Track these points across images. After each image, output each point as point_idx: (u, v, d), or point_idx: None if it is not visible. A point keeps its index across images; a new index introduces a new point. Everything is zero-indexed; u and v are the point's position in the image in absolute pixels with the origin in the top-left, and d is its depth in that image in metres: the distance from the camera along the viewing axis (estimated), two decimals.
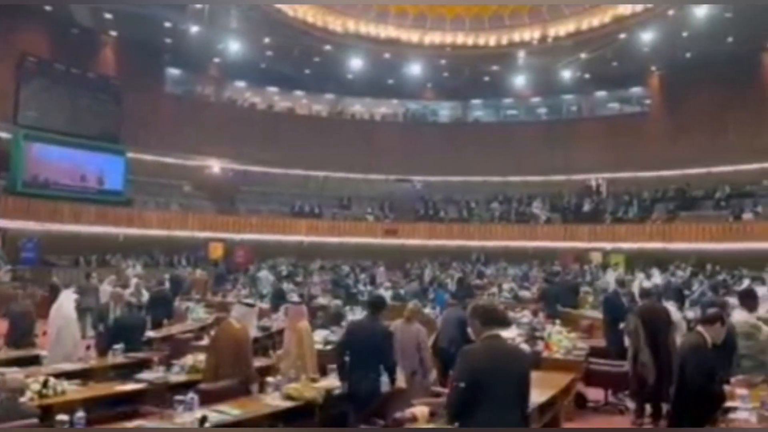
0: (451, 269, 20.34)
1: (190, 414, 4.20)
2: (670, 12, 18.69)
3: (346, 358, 5.19)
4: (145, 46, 22.19)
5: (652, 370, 6.47)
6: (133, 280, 11.92)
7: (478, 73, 25.06)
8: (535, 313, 10.61)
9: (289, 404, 4.73)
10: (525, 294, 15.63)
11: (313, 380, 5.24)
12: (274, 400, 4.79)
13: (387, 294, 14.39)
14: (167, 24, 20.84)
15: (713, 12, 17.86)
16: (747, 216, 20.31)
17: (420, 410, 4.49)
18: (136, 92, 21.81)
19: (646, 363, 6.53)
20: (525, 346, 7.35)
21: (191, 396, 4.34)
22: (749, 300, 6.34)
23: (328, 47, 22.76)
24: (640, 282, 13.15)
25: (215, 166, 24.98)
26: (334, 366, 5.37)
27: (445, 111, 29.73)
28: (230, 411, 4.36)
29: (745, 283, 13.36)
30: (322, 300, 13.18)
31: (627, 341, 7.33)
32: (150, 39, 21.98)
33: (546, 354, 7.56)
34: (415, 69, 24.19)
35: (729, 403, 4.48)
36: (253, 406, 4.63)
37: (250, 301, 6.78)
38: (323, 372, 5.74)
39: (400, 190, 27.28)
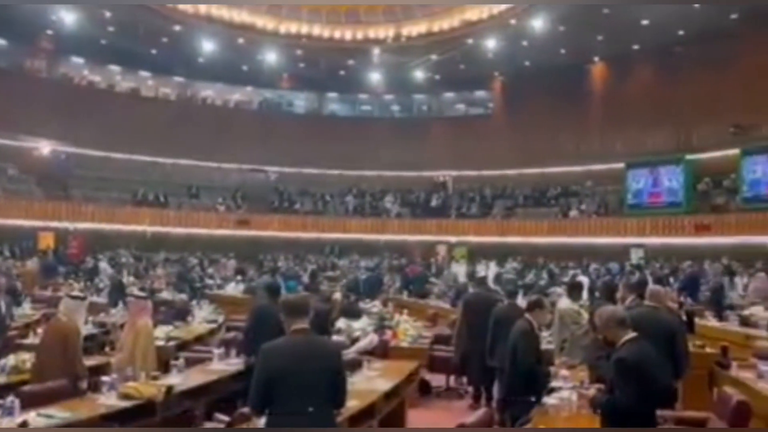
0: (306, 262, 20.34)
1: (10, 419, 3.80)
2: (512, 21, 20.05)
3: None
4: None
5: (457, 354, 7.03)
6: None
7: (334, 66, 25.22)
8: (384, 303, 10.93)
9: (125, 404, 4.44)
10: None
11: (154, 378, 4.98)
12: (108, 400, 4.47)
13: (238, 288, 14.09)
14: None
15: (548, 24, 19.42)
16: (573, 213, 22.47)
17: None
18: None
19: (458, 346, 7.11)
20: (374, 336, 7.54)
21: (11, 399, 3.93)
22: (575, 290, 7.01)
23: (177, 27, 21.62)
24: (478, 272, 14.03)
25: (45, 147, 22.71)
26: (176, 362, 5.17)
27: (301, 102, 29.53)
28: (58, 414, 4.00)
29: (571, 274, 14.78)
30: (166, 294, 12.53)
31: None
32: None
33: (393, 343, 7.81)
34: (270, 57, 23.75)
35: (553, 383, 4.92)
36: (84, 407, 4.29)
37: (78, 293, 6.25)
38: (166, 369, 5.49)
39: (254, 181, 26.70)
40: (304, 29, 23.12)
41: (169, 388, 4.74)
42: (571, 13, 18.76)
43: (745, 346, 7.60)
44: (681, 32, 19.90)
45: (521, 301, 6.95)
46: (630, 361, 3.62)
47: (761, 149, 17.79)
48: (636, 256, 19.86)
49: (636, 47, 21.65)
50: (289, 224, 24.45)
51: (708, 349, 7.32)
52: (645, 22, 19.18)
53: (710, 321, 9.52)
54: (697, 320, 8.53)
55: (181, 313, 8.46)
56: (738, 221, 17.95)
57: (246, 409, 4.34)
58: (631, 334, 3.79)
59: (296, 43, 23.36)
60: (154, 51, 24.03)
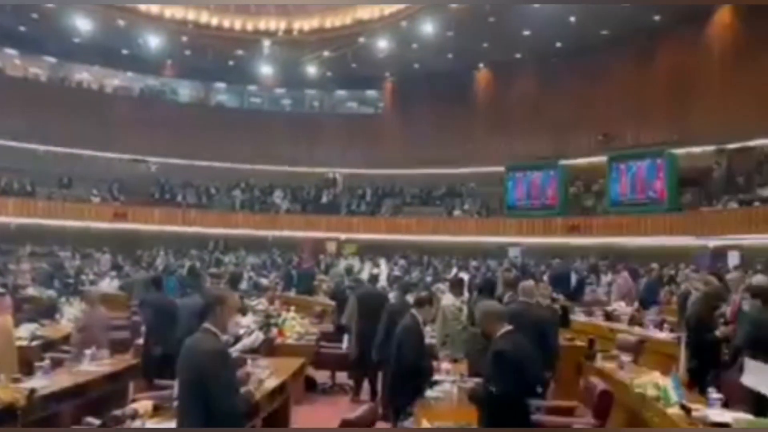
0: (188, 258, 19.58)
1: None
2: (403, 23, 20.41)
3: None
4: None
5: (354, 348, 7.13)
6: None
7: (223, 56, 24.40)
8: (271, 301, 10.75)
9: None
10: (263, 281, 15.76)
11: (15, 380, 4.58)
12: None
13: (113, 284, 13.32)
14: None
15: (437, 29, 19.96)
16: (457, 213, 23.31)
17: (143, 405, 4.23)
18: None
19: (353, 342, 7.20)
20: (259, 333, 7.41)
21: None
22: (457, 286, 7.26)
23: (49, 4, 20.01)
24: (369, 270, 14.18)
25: None
26: (41, 364, 4.80)
27: (186, 90, 28.30)
28: None
29: (454, 271, 15.32)
30: (32, 291, 11.61)
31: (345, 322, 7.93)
32: None
33: (279, 340, 7.72)
34: (153, 42, 22.51)
35: (436, 377, 5.07)
36: None
37: None
38: (29, 370, 5.08)
39: (133, 171, 25.25)
40: (191, 16, 22.21)
41: (32, 392, 4.38)
42: (459, 20, 19.40)
43: (609, 339, 8.24)
44: (558, 44, 21.21)
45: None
46: (506, 354, 3.81)
47: (625, 157, 19.36)
48: (513, 254, 20.97)
49: (518, 56, 22.79)
50: (171, 218, 23.36)
51: (577, 342, 7.86)
52: (526, 32, 20.23)
53: (579, 316, 10.22)
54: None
55: (48, 311, 7.86)
56: (604, 223, 19.42)
57: (119, 412, 4.10)
58: (507, 328, 3.99)
59: (182, 29, 22.36)
60: (22, 28, 22.10)
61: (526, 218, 21.36)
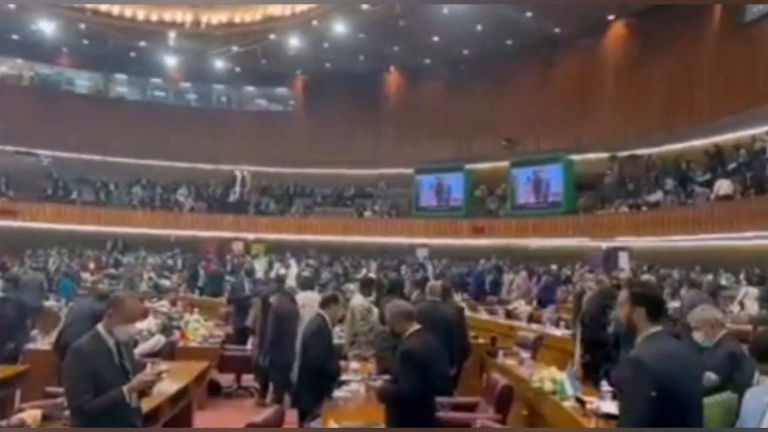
0: (85, 257, 18.56)
1: None
2: (314, 22, 20.29)
3: None
4: None
5: (258, 350, 7.07)
6: None
7: (124, 46, 23.22)
8: (173, 303, 10.38)
9: None
10: (165, 283, 15.21)
11: None
12: None
13: None
14: None
15: (349, 30, 20.00)
16: (367, 214, 23.46)
17: (30, 414, 3.96)
18: None
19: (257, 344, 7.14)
20: (160, 336, 7.13)
21: None
22: (366, 286, 7.31)
23: None
24: (277, 270, 13.98)
25: None
26: None
27: (83, 81, 26.67)
28: None
29: (363, 271, 15.42)
30: None
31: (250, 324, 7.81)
32: None
33: (182, 343, 7.47)
34: (47, 28, 21.08)
35: (344, 377, 5.08)
36: None
37: None
38: None
39: (23, 165, 23.52)
40: (90, 3, 21.00)
41: None
42: (370, 22, 19.54)
43: (510, 336, 8.57)
44: (466, 51, 21.84)
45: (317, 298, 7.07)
46: (414, 352, 3.87)
47: (526, 162, 20.23)
48: (421, 254, 21.38)
49: (427, 61, 23.25)
50: (65, 215, 21.96)
51: (480, 340, 8.13)
52: (436, 38, 20.68)
53: (482, 314, 10.57)
54: (470, 313, 9.42)
55: None
56: (506, 225, 20.20)
57: (3, 422, 3.83)
58: (416, 327, 4.06)
59: (79, 16, 21.08)
60: None
61: (434, 219, 21.83)
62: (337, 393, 4.67)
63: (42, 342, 6.90)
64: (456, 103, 22.52)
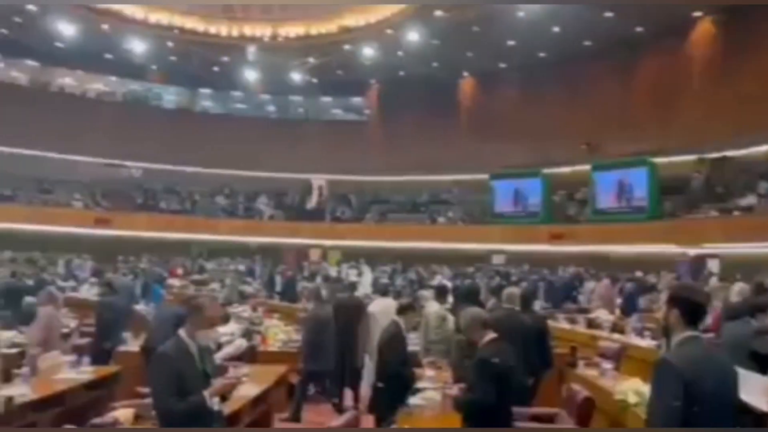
0: (173, 264, 19.40)
1: None
2: (389, 31, 20.50)
3: None
4: None
5: (331, 357, 7.13)
6: None
7: (208, 62, 24.33)
8: (254, 308, 10.68)
9: None
10: (247, 289, 15.64)
11: None
12: None
13: (93, 291, 13.15)
14: None
15: (423, 37, 20.06)
16: (441, 220, 23.38)
17: (123, 413, 4.18)
18: None
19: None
20: (242, 340, 7.35)
21: None
22: (441, 293, 7.27)
23: (31, 7, 19.82)
24: (347, 276, 14.18)
25: None
26: (20, 371, 4.73)
27: (170, 96, 28.17)
28: None
29: (437, 278, 15.35)
30: None
31: None
32: None
33: (262, 347, 7.67)
34: (138, 47, 22.39)
35: (420, 384, 5.07)
36: None
37: None
38: (7, 378, 5.00)
39: (116, 176, 25.03)
40: (176, 21, 22.13)
41: (9, 400, 4.31)
42: (444, 28, 19.53)
43: (591, 346, 8.29)
44: (542, 54, 21.43)
45: (392, 304, 7.10)
46: (489, 361, 3.82)
47: (608, 166, 19.56)
48: (497, 261, 21.06)
49: (502, 65, 22.97)
50: (155, 224, 23.17)
51: (559, 350, 7.90)
52: (511, 42, 20.41)
53: (562, 323, 10.28)
54: (548, 322, 9.17)
55: (26, 318, 7.73)
56: (587, 231, 19.58)
57: (99, 420, 4.06)
58: (492, 335, 4.01)
59: (167, 34, 22.28)
60: (4, 31, 21.89)
61: (509, 226, 21.47)
62: (413, 400, 4.67)
63: (132, 344, 7.27)
64: (532, 107, 22.11)
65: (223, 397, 3.52)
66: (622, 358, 7.06)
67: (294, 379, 7.39)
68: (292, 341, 8.22)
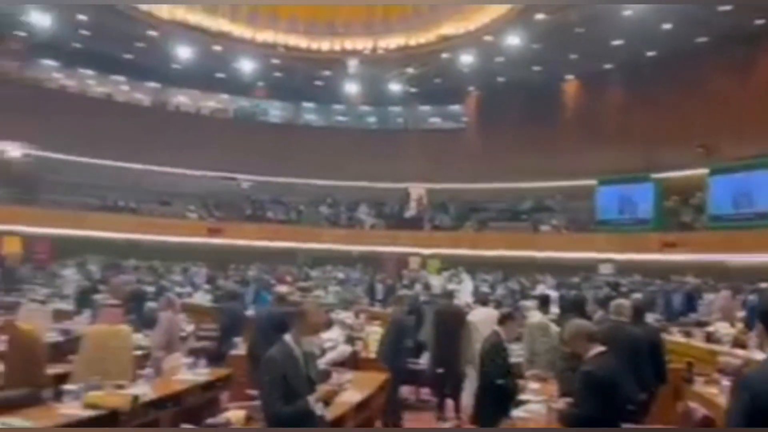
0: (280, 271, 20.14)
1: None
2: (487, 38, 20.32)
3: None
4: None
5: (432, 366, 7.07)
6: None
7: (311, 76, 25.23)
8: (357, 315, 10.87)
9: (89, 413, 4.35)
10: (349, 296, 15.93)
11: (119, 387, 4.88)
12: (71, 409, 4.37)
13: (207, 297, 13.90)
14: None
15: (524, 42, 19.72)
16: (545, 228, 22.74)
17: (235, 414, 4.39)
18: None
19: (430, 360, 7.16)
20: (346, 346, 7.50)
21: None
22: (545, 304, 7.08)
23: (152, 33, 21.45)
24: (445, 284, 14.08)
25: (14, 151, 22.23)
26: (143, 372, 5.08)
27: (276, 111, 29.47)
28: (19, 423, 3.89)
29: (540, 288, 14.93)
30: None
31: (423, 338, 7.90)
32: None
33: (364, 354, 7.78)
34: (246, 66, 23.67)
35: (523, 396, 4.95)
36: (46, 417, 4.19)
37: (38, 299, 6.12)
38: (132, 378, 5.39)
39: (226, 189, 26.46)
40: (281, 39, 23.12)
41: (135, 398, 4.65)
42: (545, 32, 19.10)
43: (710, 361, 7.74)
44: (651, 53, 20.41)
45: (493, 314, 6.99)
46: (596, 375, 3.68)
47: (726, 170, 18.26)
48: (605, 271, 20.15)
49: (608, 66, 22.10)
50: (262, 233, 24.24)
51: (674, 365, 7.44)
52: (616, 42, 19.62)
53: (676, 336, 9.68)
54: (664, 336, 8.67)
55: (149, 322, 8.31)
56: (704, 239, 18.35)
57: (212, 420, 4.28)
58: (599, 348, 3.85)
59: (273, 52, 23.34)
60: (128, 56, 23.78)
61: (617, 233, 20.53)
62: (516, 412, 4.57)
63: (243, 348, 7.61)
64: (641, 109, 21.09)
65: (326, 402, 3.60)
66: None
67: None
68: None
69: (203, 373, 5.91)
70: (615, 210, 21.12)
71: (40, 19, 19.78)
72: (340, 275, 21.18)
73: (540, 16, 18.45)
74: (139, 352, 6.77)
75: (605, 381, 3.66)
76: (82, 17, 20.30)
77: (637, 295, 11.94)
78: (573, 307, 6.59)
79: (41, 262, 19.57)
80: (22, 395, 4.43)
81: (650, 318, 9.52)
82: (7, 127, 20.93)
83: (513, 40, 19.58)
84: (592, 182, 21.73)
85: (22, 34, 21.99)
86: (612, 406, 3.65)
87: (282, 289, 9.11)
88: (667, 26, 18.03)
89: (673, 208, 20.48)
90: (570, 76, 23.99)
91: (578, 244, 21.23)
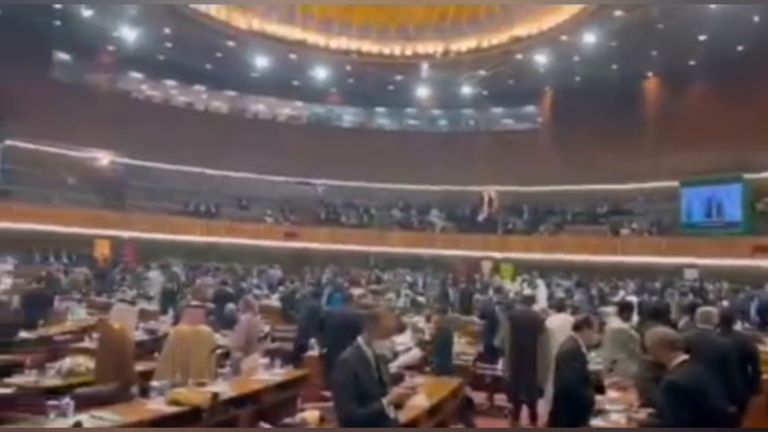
0: (352, 274, 20.36)
1: (64, 420, 3.93)
2: (563, 37, 19.85)
3: None
4: (31, 27, 20.64)
5: (508, 373, 6.91)
6: (6, 278, 11.02)
7: (383, 81, 25.43)
8: (428, 319, 10.84)
9: (173, 409, 4.54)
10: (421, 299, 15.91)
11: (200, 384, 5.07)
12: (156, 405, 4.58)
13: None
14: (57, 5, 19.54)
15: (601, 40, 19.15)
16: (624, 231, 21.92)
17: (310, 414, 4.46)
18: (18, 76, 20.15)
19: (505, 366, 7.01)
20: (418, 350, 7.49)
21: (66, 401, 4.07)
22: (626, 310, 6.82)
23: (231, 43, 22.25)
24: (519, 289, 13.81)
25: (104, 158, 23.62)
26: (223, 371, 5.26)
27: (349, 116, 29.90)
28: (108, 416, 4.12)
29: (620, 294, 14.41)
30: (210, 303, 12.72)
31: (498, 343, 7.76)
32: (37, 20, 20.48)
33: None
34: (320, 72, 24.15)
35: (602, 405, 4.78)
36: (133, 412, 4.41)
37: (128, 299, 6.44)
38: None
39: (301, 193, 27.06)
40: (354, 45, 23.46)
41: (215, 396, 4.81)
42: (624, 29, 18.48)
43: None
44: (740, 48, 19.34)
45: (569, 320, 6.79)
46: (681, 385, 3.51)
47: None
48: (690, 276, 19.21)
49: (693, 63, 21.11)
50: (335, 237, 24.62)
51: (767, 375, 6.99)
52: (702, 37, 18.71)
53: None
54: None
55: (229, 322, 8.59)
56: None
57: (289, 419, 4.37)
58: (683, 357, 3.68)
59: (346, 58, 23.72)
60: (208, 66, 24.76)
61: (704, 237, 19.53)
62: (594, 422, 4.42)
63: (318, 349, 7.74)
64: (730, 106, 20.00)
65: (398, 405, 3.60)
66: None
67: (469, 392, 7.36)
68: (464, 354, 8.20)
69: (279, 374, 6.05)
70: (701, 212, 20.13)
71: (129, 34, 20.94)
72: (409, 278, 21.20)
73: (618, 13, 17.86)
74: (218, 351, 7.02)
75: (690, 391, 3.48)
76: (166, 30, 21.30)
77: (725, 302, 11.34)
78: (655, 313, 6.31)
79: (127, 264, 20.62)
80: (112, 390, 4.68)
81: (739, 326, 9.00)
82: (98, 136, 22.25)
83: (589, 38, 19.07)
84: (675, 183, 20.77)
85: (112, 48, 23.31)
86: (697, 417, 3.47)
87: (356, 291, 9.21)
88: (757, 18, 17.02)
89: (765, 210, 19.26)
90: (650, 74, 23.06)
91: (661, 248, 20.35)
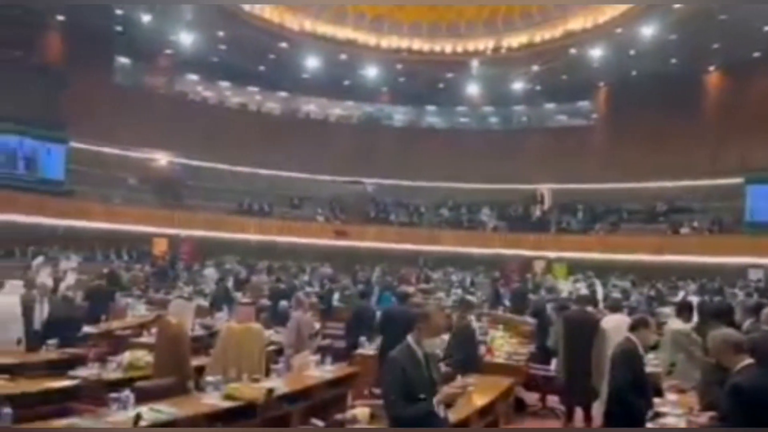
0: (403, 273, 20.38)
1: (124, 412, 4.08)
2: (619, 30, 19.31)
3: None
4: (94, 32, 21.48)
5: (562, 374, 6.75)
6: (70, 274, 11.51)
7: (433, 79, 25.32)
8: (478, 318, 10.74)
9: (228, 404, 4.64)
10: (471, 299, 15.78)
11: (255, 380, 5.16)
12: (212, 400, 4.69)
13: (335, 296, 14.34)
14: (118, 11, 20.28)
15: (659, 33, 18.55)
16: (684, 230, 21.17)
17: (361, 411, 4.49)
18: (82, 80, 21.03)
19: (559, 367, 6.86)
20: None
21: (126, 394, 4.22)
22: (685, 311, 6.59)
23: (283, 45, 22.58)
24: (572, 289, 13.52)
25: (162, 159, 24.38)
26: (276, 366, 5.34)
27: (399, 115, 29.91)
28: (166, 410, 4.24)
29: (680, 294, 13.94)
30: (265, 300, 12.95)
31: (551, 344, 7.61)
32: (100, 25, 21.32)
33: (488, 358, 7.67)
34: (371, 72, 24.25)
35: (659, 408, 4.64)
36: (190, 406, 4.53)
37: (185, 295, 6.62)
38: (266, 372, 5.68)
39: (352, 192, 27.24)
40: (405, 43, 23.45)
41: (270, 391, 4.89)
42: (684, 21, 17.85)
43: None
44: None
45: (626, 320, 6.61)
46: (746, 389, 3.37)
47: None
48: (755, 276, 18.41)
49: (757, 55, 20.22)
50: (385, 235, 24.66)
51: None
52: (767, 28, 17.89)
53: None
54: None
55: (282, 320, 8.72)
56: None
57: (340, 416, 4.40)
58: (748, 360, 3.53)
59: (396, 57, 23.73)
60: (261, 68, 25.20)
61: None
62: (650, 425, 4.29)
63: (368, 347, 7.78)
64: None
65: (448, 404, 3.58)
66: None
67: (521, 393, 7.27)
68: (516, 354, 8.10)
69: (330, 371, 6.10)
70: (767, 211, 19.23)
71: (185, 37, 21.55)
72: (456, 277, 21.02)
73: (677, 5, 17.26)
74: (271, 348, 7.15)
75: (756, 395, 3.33)
76: (220, 33, 21.80)
77: None
78: (716, 314, 6.07)
79: (185, 261, 21.22)
80: (170, 384, 4.82)
81: None
82: (156, 137, 22.99)
83: (647, 31, 18.50)
84: (738, 181, 19.94)
85: (169, 51, 24.02)
86: (764, 421, 3.32)
87: (408, 289, 9.22)
88: None
89: None
90: (712, 67, 22.19)
91: (723, 247, 19.56)
